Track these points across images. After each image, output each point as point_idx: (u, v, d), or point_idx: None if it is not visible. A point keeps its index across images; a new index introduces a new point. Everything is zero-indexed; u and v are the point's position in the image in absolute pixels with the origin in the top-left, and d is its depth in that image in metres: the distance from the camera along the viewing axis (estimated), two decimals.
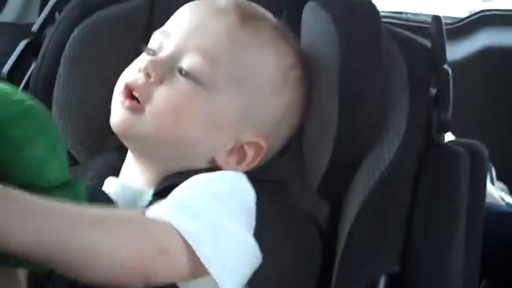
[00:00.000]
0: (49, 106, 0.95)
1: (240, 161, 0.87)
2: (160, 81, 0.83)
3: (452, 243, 0.84)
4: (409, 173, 0.88)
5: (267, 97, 0.87)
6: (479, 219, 0.89)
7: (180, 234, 0.69)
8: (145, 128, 0.83)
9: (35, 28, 1.08)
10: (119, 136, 0.85)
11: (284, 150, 0.93)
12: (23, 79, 1.05)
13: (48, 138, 0.69)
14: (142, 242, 0.67)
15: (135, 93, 0.83)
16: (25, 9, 1.30)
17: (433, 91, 0.92)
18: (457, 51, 2.13)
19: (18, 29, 1.25)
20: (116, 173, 0.88)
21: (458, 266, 0.82)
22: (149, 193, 0.83)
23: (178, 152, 0.84)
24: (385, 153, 0.87)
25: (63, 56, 0.95)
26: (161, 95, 0.83)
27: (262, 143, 0.87)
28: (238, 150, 0.86)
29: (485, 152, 0.93)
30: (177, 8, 0.91)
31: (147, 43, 0.92)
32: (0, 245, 0.58)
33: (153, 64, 0.83)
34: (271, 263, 0.78)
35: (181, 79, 0.83)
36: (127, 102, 0.83)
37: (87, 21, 0.97)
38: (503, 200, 1.75)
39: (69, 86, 0.95)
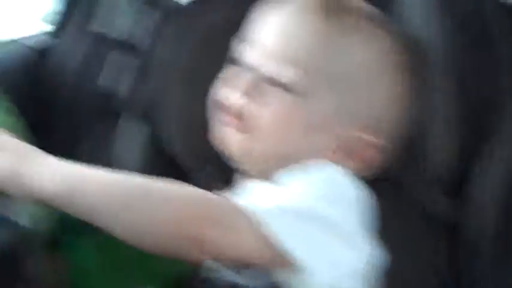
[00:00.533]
0: (154, 118, 0.96)
1: (348, 158, 0.84)
2: (255, 97, 0.82)
3: None
4: None
5: (364, 88, 0.84)
6: None
7: (244, 209, 0.69)
8: (248, 147, 0.82)
9: (134, 39, 1.09)
10: (224, 155, 0.85)
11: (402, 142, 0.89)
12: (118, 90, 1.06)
13: None
14: (194, 210, 0.67)
15: (232, 113, 0.82)
16: (133, 25, 1.31)
17: None
18: None
19: (125, 46, 1.26)
20: (224, 185, 0.87)
21: None
22: None
23: (285, 164, 0.82)
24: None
25: (164, 66, 0.95)
26: (260, 113, 0.81)
27: (368, 137, 0.84)
28: (345, 148, 0.84)
29: None
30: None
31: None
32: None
33: (241, 82, 0.82)
34: (392, 263, 0.76)
35: (273, 91, 0.81)
36: (226, 121, 0.83)
37: (188, 30, 0.97)
38: None
39: (173, 98, 0.95)
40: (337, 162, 0.82)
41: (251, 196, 0.74)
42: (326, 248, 0.72)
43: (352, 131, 0.83)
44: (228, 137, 0.83)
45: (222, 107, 0.83)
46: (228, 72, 0.84)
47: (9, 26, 1.45)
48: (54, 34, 1.27)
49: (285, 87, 0.80)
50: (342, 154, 0.83)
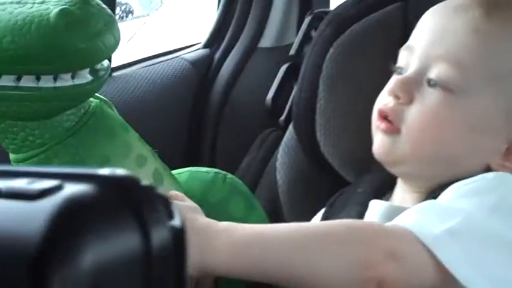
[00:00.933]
0: (312, 128, 0.94)
1: None
2: (411, 100, 0.79)
3: None
4: None
5: None
6: None
7: (417, 237, 0.65)
8: (404, 149, 0.79)
9: (292, 51, 1.09)
10: (382, 163, 0.82)
11: None
12: (286, 104, 1.07)
13: (243, 195, 0.79)
14: (366, 249, 0.64)
15: (389, 118, 0.79)
16: (284, 31, 1.32)
17: None
18: None
19: (278, 53, 1.27)
20: (379, 194, 0.85)
21: None
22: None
23: (445, 166, 0.79)
24: None
25: (321, 77, 0.93)
26: (414, 114, 0.78)
27: None
28: None
29: None
30: (431, 6, 0.86)
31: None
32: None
33: (400, 84, 0.79)
34: None
35: (431, 91, 0.78)
36: (382, 126, 0.80)
37: (342, 38, 0.95)
38: None
39: (330, 109, 0.93)
40: (503, 166, 0.78)
41: (415, 214, 0.71)
42: (503, 269, 0.67)
43: None
44: (384, 144, 0.80)
45: (378, 115, 0.81)
46: (390, 82, 0.82)
47: (171, 41, 1.50)
48: (214, 49, 1.31)
49: (445, 87, 0.77)
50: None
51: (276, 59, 1.22)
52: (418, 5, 0.94)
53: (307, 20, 1.15)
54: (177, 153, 1.21)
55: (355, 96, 0.94)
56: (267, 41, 1.31)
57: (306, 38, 1.12)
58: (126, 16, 2.57)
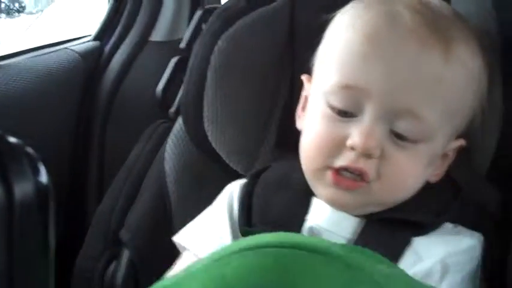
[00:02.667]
0: (200, 118, 0.95)
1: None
2: (381, 154, 0.77)
3: None
4: None
5: (470, 106, 0.82)
6: None
7: None
8: (369, 200, 0.79)
9: (182, 45, 1.10)
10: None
11: None
12: (176, 97, 1.07)
13: None
14: None
15: (359, 175, 0.78)
16: (175, 25, 1.33)
17: None
18: None
19: (170, 47, 1.28)
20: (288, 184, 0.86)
21: None
22: (361, 222, 0.81)
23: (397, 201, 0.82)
24: None
25: (209, 69, 0.95)
26: (387, 170, 0.77)
27: (461, 142, 0.84)
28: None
29: None
30: (318, 3, 0.89)
31: (291, 44, 0.89)
32: None
33: (373, 142, 0.76)
34: None
35: (402, 144, 0.77)
36: (347, 184, 0.78)
37: (230, 31, 0.96)
38: None
39: (218, 100, 0.95)
40: (438, 175, 0.83)
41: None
42: None
43: (452, 145, 0.83)
44: (338, 196, 0.79)
45: (339, 171, 0.78)
46: (334, 126, 0.79)
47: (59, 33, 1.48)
48: (105, 41, 1.30)
49: (414, 140, 0.77)
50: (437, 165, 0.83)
51: (167, 52, 1.23)
52: (305, 1, 0.97)
53: (197, 14, 1.17)
54: (62, 152, 1.18)
55: (241, 88, 0.96)
56: (158, 34, 1.31)
57: (197, 32, 1.14)
58: (18, 12, 2.51)
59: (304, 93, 0.88)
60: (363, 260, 0.52)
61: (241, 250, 0.50)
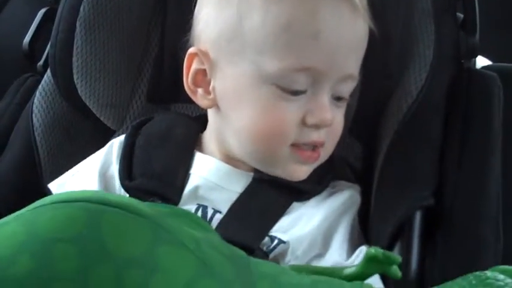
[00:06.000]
0: (70, 70, 0.94)
1: None
2: None
3: (489, 171, 0.81)
4: (439, 103, 0.86)
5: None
6: None
7: None
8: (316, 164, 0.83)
9: None
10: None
11: None
12: (44, 49, 1.05)
13: None
14: None
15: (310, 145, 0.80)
16: None
17: (461, 16, 0.90)
18: None
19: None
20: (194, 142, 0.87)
21: (496, 195, 0.79)
22: (249, 177, 0.83)
23: None
24: (413, 86, 0.85)
25: (78, 19, 0.93)
26: (331, 134, 0.81)
27: None
28: None
29: None
30: None
31: (164, 7, 0.89)
32: None
33: (329, 115, 0.79)
34: None
35: (341, 106, 0.82)
36: (315, 156, 0.81)
37: None
38: None
39: (88, 51, 0.94)
40: None
41: None
42: None
43: None
44: (302, 171, 0.82)
45: (309, 146, 0.81)
46: (288, 105, 0.79)
47: None
48: None
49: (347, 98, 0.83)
50: None
51: (35, 5, 1.19)
52: None
53: None
54: None
55: (111, 39, 0.95)
56: None
57: None
58: None
59: (195, 65, 0.82)
60: (175, 223, 0.54)
61: (53, 203, 0.52)
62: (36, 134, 0.95)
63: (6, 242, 0.50)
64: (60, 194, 0.54)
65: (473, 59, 0.91)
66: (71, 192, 0.54)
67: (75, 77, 0.94)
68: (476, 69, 0.90)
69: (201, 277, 0.51)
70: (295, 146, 0.79)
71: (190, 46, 0.84)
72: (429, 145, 0.83)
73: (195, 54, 0.82)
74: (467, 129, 0.83)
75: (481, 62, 0.98)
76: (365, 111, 0.91)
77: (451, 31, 0.89)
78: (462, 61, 0.90)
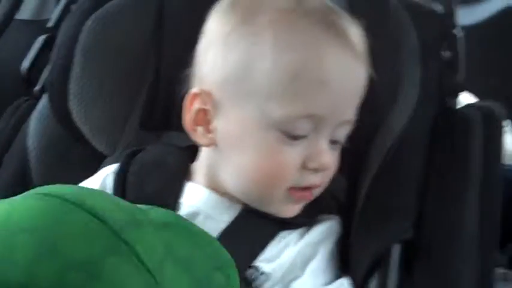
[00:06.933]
0: (65, 96, 0.96)
1: None
2: None
3: (464, 203, 0.84)
4: (421, 141, 0.89)
5: None
6: (495, 181, 0.89)
7: None
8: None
9: (50, 24, 1.10)
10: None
11: None
12: (41, 74, 1.07)
13: None
14: None
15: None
16: (42, 5, 1.32)
17: (447, 55, 0.93)
18: (476, 13, 2.11)
19: (36, 26, 1.27)
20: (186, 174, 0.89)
21: (472, 227, 0.82)
22: (237, 208, 0.85)
23: None
24: (397, 123, 0.88)
25: (77, 47, 0.96)
26: (326, 175, 0.84)
27: None
28: None
29: (502, 113, 0.93)
30: None
31: (160, 30, 0.91)
32: None
33: (330, 160, 0.82)
34: None
35: (335, 148, 0.84)
36: (306, 197, 0.84)
37: (101, 11, 0.98)
38: None
39: (85, 77, 0.96)
40: None
41: None
42: None
43: None
44: (295, 209, 0.85)
45: (303, 190, 0.84)
46: (289, 150, 0.81)
47: None
48: None
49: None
50: None
51: (34, 31, 1.21)
52: None
53: None
54: None
55: (108, 67, 0.98)
56: (24, 13, 1.29)
57: (65, 13, 1.14)
58: None
59: (197, 105, 0.83)
60: (148, 236, 0.55)
61: (38, 193, 0.56)
62: (30, 157, 0.97)
63: None
64: (49, 186, 0.57)
65: (457, 97, 0.94)
66: (58, 186, 0.57)
67: (70, 102, 0.96)
68: (458, 108, 0.93)
69: None
70: (292, 188, 0.82)
71: (189, 82, 0.86)
72: (411, 179, 0.86)
73: (197, 94, 0.83)
74: (446, 165, 0.86)
75: (466, 99, 1.01)
76: (352, 146, 0.94)
77: (437, 70, 0.92)
78: (446, 99, 0.93)
